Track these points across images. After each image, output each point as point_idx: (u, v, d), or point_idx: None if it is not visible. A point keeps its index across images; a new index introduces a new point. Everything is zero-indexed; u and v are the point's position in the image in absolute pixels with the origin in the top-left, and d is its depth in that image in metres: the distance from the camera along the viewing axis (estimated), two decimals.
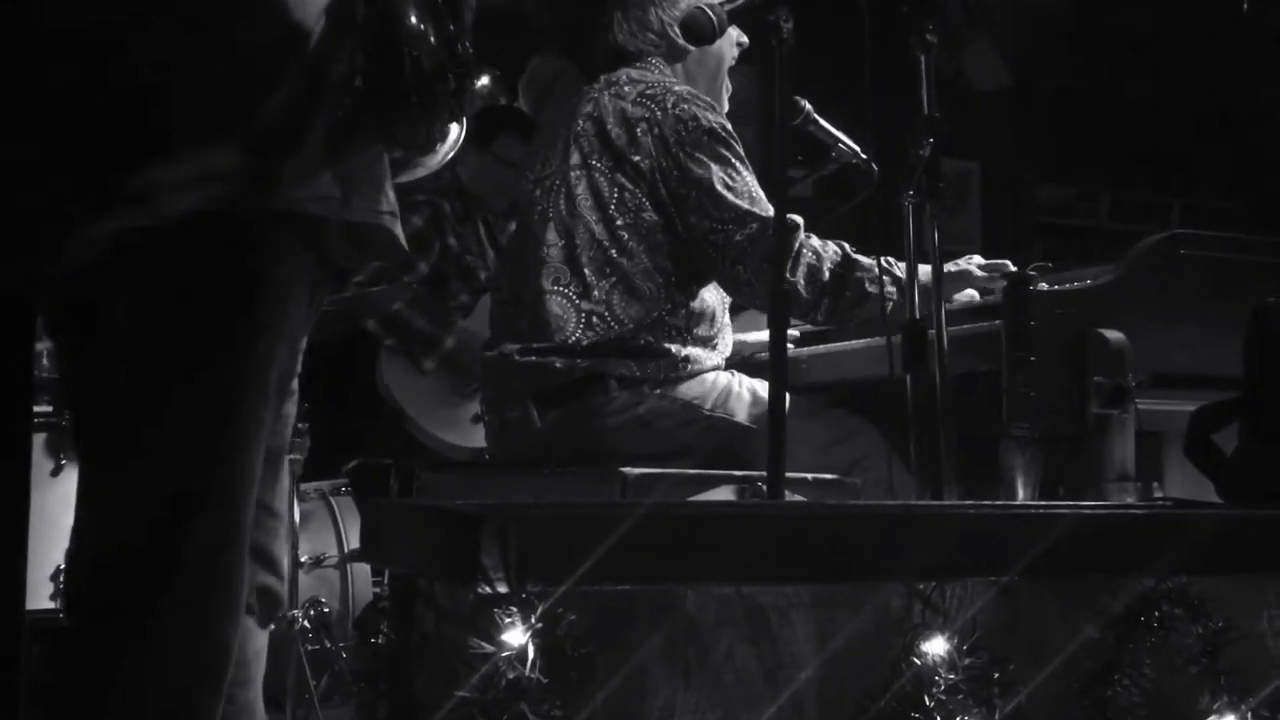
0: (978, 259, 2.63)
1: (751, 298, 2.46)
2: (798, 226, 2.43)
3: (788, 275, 2.36)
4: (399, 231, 1.52)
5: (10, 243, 1.43)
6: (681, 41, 2.52)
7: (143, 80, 1.40)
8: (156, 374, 1.41)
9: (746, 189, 2.43)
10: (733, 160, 2.44)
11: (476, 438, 3.27)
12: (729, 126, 2.49)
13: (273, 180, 1.42)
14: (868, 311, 2.43)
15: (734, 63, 2.66)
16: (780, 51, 2.08)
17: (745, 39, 2.62)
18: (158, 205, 1.39)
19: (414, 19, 1.39)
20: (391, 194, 1.53)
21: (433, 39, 1.39)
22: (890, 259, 2.42)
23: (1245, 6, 5.05)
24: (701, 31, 2.13)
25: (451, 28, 1.41)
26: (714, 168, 2.42)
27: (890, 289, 2.37)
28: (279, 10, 1.43)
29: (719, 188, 2.41)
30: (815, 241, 2.46)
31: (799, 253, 2.42)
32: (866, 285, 2.40)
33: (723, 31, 2.16)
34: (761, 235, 2.38)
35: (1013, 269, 2.55)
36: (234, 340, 1.43)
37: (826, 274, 2.43)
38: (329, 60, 1.42)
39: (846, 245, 2.48)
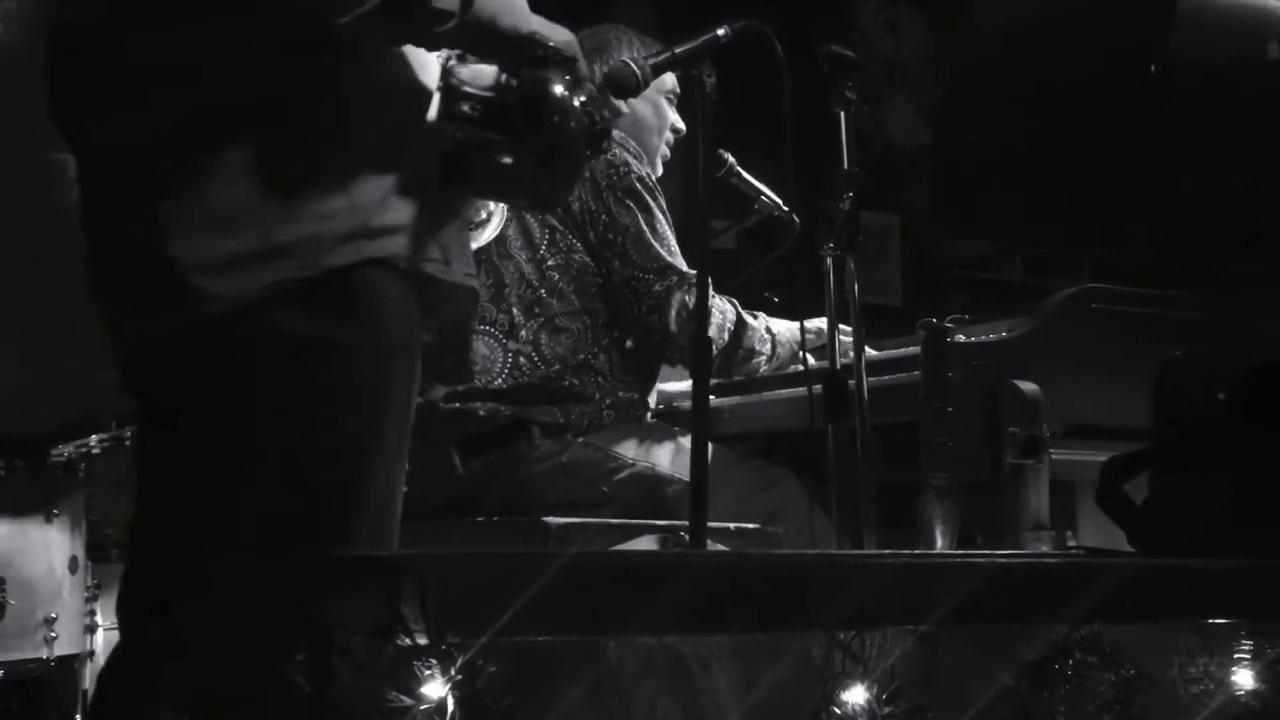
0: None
1: (660, 348, 2.48)
2: (694, 285, 2.46)
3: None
4: (477, 293, 1.65)
5: (166, 301, 1.46)
6: (613, 101, 2.55)
7: (295, 126, 1.46)
8: (305, 430, 1.46)
9: (668, 242, 2.47)
10: (656, 213, 2.48)
11: None
12: (654, 180, 2.53)
13: (410, 240, 1.51)
14: (751, 369, 2.56)
15: (674, 132, 2.68)
16: (703, 105, 2.12)
17: (677, 88, 2.65)
18: (310, 259, 1.45)
19: (560, 89, 1.53)
20: (472, 258, 1.65)
21: (576, 107, 1.55)
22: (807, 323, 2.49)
23: (1152, 69, 5.23)
24: (625, 84, 2.15)
25: (585, 98, 1.57)
26: (640, 216, 2.46)
27: (767, 349, 2.53)
28: (406, 72, 1.53)
29: (646, 236, 2.45)
30: (717, 300, 2.51)
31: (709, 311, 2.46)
32: (756, 345, 2.53)
33: (647, 85, 2.18)
34: (678, 289, 2.42)
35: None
36: (369, 383, 1.49)
37: (726, 334, 2.50)
38: (443, 125, 1.55)
39: (736, 303, 2.54)
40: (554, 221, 2.47)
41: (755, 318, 2.57)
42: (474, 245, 1.74)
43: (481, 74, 1.57)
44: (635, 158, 2.50)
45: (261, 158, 1.45)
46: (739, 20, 2.18)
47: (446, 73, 1.57)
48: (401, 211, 1.52)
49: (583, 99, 1.57)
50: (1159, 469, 2.02)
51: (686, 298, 2.42)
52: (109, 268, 1.53)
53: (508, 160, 1.54)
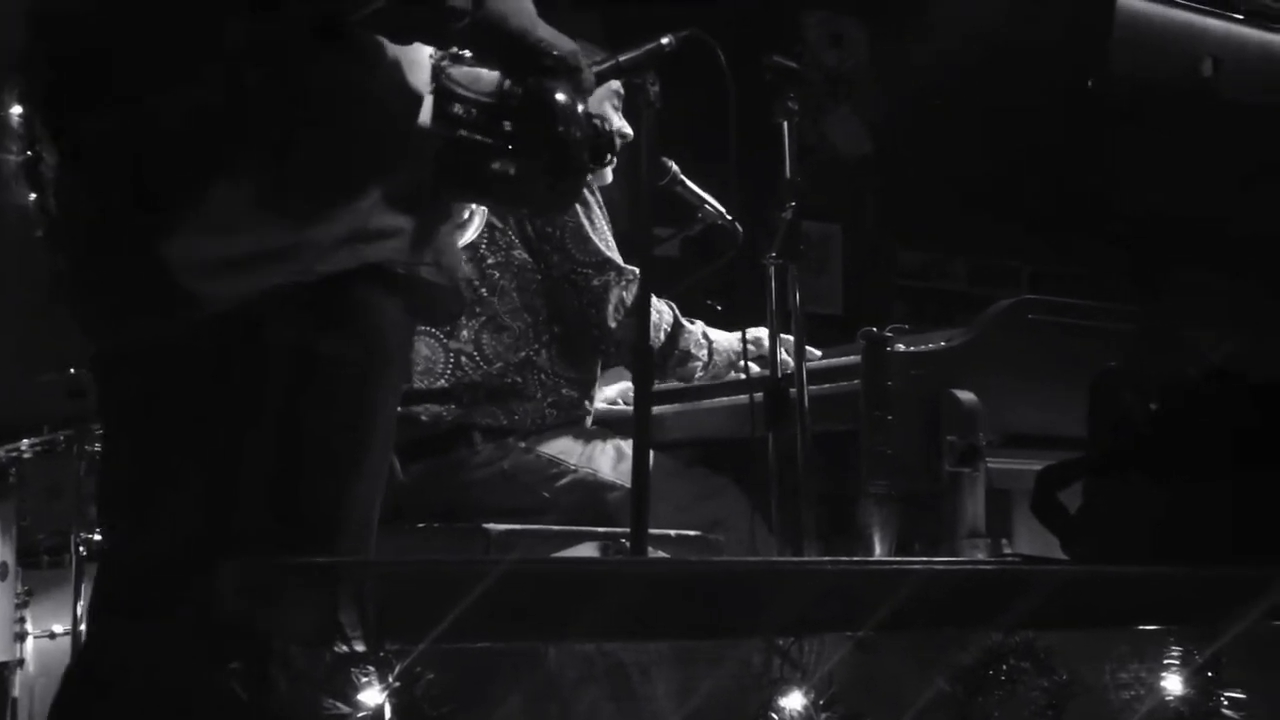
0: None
1: (599, 340, 2.49)
2: (635, 280, 2.47)
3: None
4: (463, 294, 1.64)
5: (157, 303, 1.43)
6: None
7: (291, 130, 1.44)
8: (289, 439, 1.44)
9: (605, 238, 2.48)
10: (594, 208, 2.49)
11: None
12: (589, 182, 2.53)
13: (410, 242, 1.50)
14: (686, 373, 2.58)
15: (619, 138, 2.68)
16: (647, 114, 2.12)
17: (621, 91, 2.66)
18: (305, 264, 1.43)
19: (564, 98, 1.52)
20: (459, 259, 1.64)
21: (581, 116, 1.54)
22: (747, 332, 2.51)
23: (1090, 84, 5.31)
24: None
25: (587, 107, 1.56)
26: (579, 210, 2.46)
27: (703, 355, 2.55)
28: (399, 74, 1.50)
29: (584, 230, 2.46)
30: (654, 301, 2.51)
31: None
32: (691, 349, 2.55)
33: (591, 91, 2.18)
34: (615, 284, 2.43)
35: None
36: (361, 396, 1.48)
37: (662, 335, 2.52)
38: (436, 126, 1.53)
39: (674, 306, 2.56)
40: (493, 220, 2.46)
41: (693, 323, 2.59)
42: (458, 245, 1.72)
43: (476, 77, 1.56)
44: None
45: (257, 160, 1.43)
46: (683, 30, 2.19)
47: (439, 74, 1.55)
48: (397, 215, 1.50)
49: (588, 109, 1.56)
50: (1093, 478, 2.05)
51: (624, 293, 2.44)
52: (93, 266, 1.49)
53: (509, 167, 1.53)
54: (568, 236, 2.45)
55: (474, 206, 1.74)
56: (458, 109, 1.53)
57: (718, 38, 2.20)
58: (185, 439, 1.47)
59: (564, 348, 2.49)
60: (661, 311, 2.54)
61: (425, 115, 1.55)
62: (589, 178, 2.50)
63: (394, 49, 1.52)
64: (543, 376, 2.46)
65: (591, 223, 2.48)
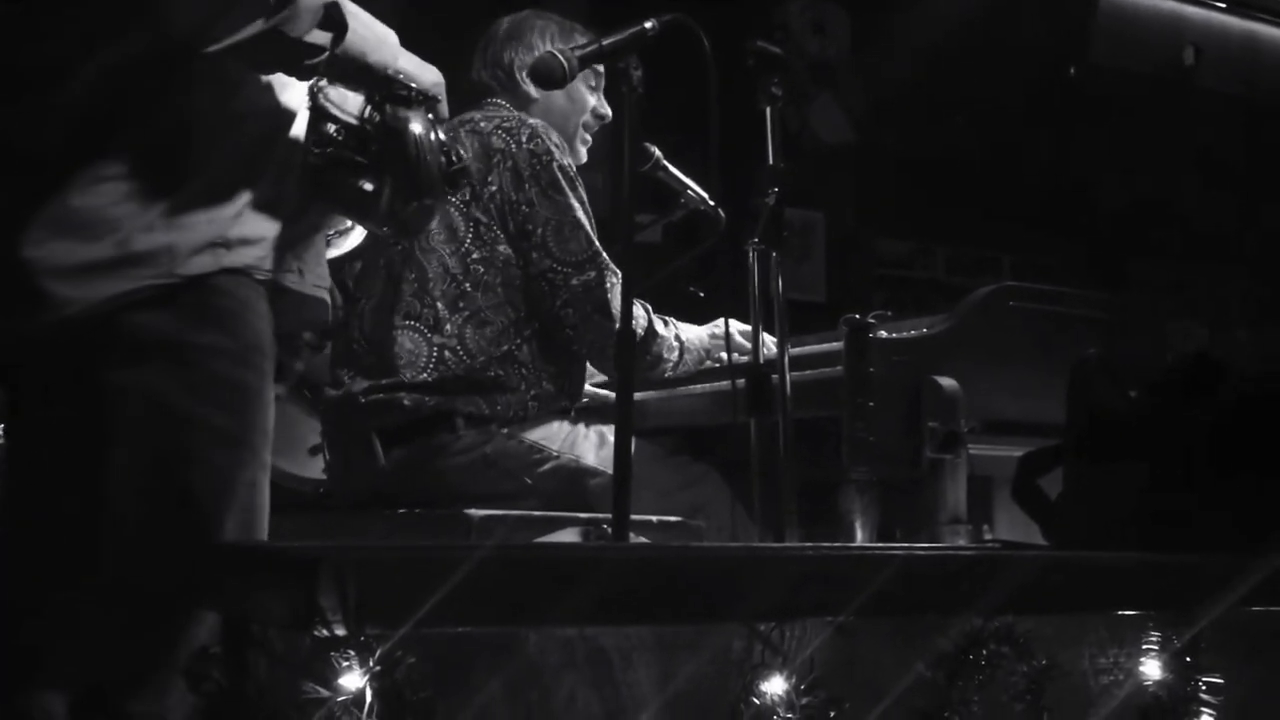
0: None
1: (571, 341, 2.47)
2: (617, 280, 2.47)
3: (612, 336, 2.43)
4: (329, 303, 1.71)
5: (16, 304, 1.47)
6: (525, 88, 2.55)
7: (156, 138, 1.49)
8: (169, 428, 1.48)
9: (589, 236, 2.46)
10: (575, 204, 2.47)
11: (312, 468, 3.20)
12: (575, 170, 2.52)
13: (271, 252, 1.56)
14: (656, 375, 2.58)
15: (596, 117, 2.67)
16: (629, 98, 2.12)
17: (600, 70, 2.65)
18: (165, 268, 1.48)
19: (419, 129, 1.64)
20: (326, 269, 1.72)
21: (435, 145, 1.65)
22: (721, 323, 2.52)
23: (1071, 71, 5.32)
24: (551, 76, 2.15)
25: (443, 136, 1.68)
26: (560, 207, 2.44)
27: (674, 356, 2.55)
28: (270, 91, 1.58)
29: (566, 229, 2.43)
30: (642, 313, 2.51)
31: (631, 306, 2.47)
32: (664, 353, 2.55)
33: (573, 76, 2.18)
34: (597, 286, 2.42)
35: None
36: (233, 381, 1.53)
37: (635, 339, 2.51)
38: (309, 142, 1.61)
39: (649, 308, 2.56)
40: (479, 214, 2.45)
41: (666, 325, 2.58)
42: (336, 252, 1.83)
43: (349, 99, 1.65)
44: (557, 147, 2.49)
45: (121, 167, 1.48)
46: (666, 15, 2.18)
47: (314, 94, 1.64)
48: (259, 224, 1.57)
49: (441, 138, 1.67)
50: (1072, 464, 2.06)
51: (608, 295, 2.42)
52: None
53: (369, 186, 1.64)
54: (548, 235, 2.43)
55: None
56: (330, 128, 1.63)
57: (701, 22, 2.20)
58: (57, 436, 1.51)
59: (544, 344, 2.47)
60: (637, 317, 2.52)
61: (299, 129, 1.63)
62: (572, 173, 2.50)
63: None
64: (524, 370, 2.45)
65: (574, 221, 2.44)
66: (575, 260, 2.42)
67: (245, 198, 1.56)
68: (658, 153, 2.59)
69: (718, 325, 2.65)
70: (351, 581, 1.20)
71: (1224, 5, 5.58)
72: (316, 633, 1.18)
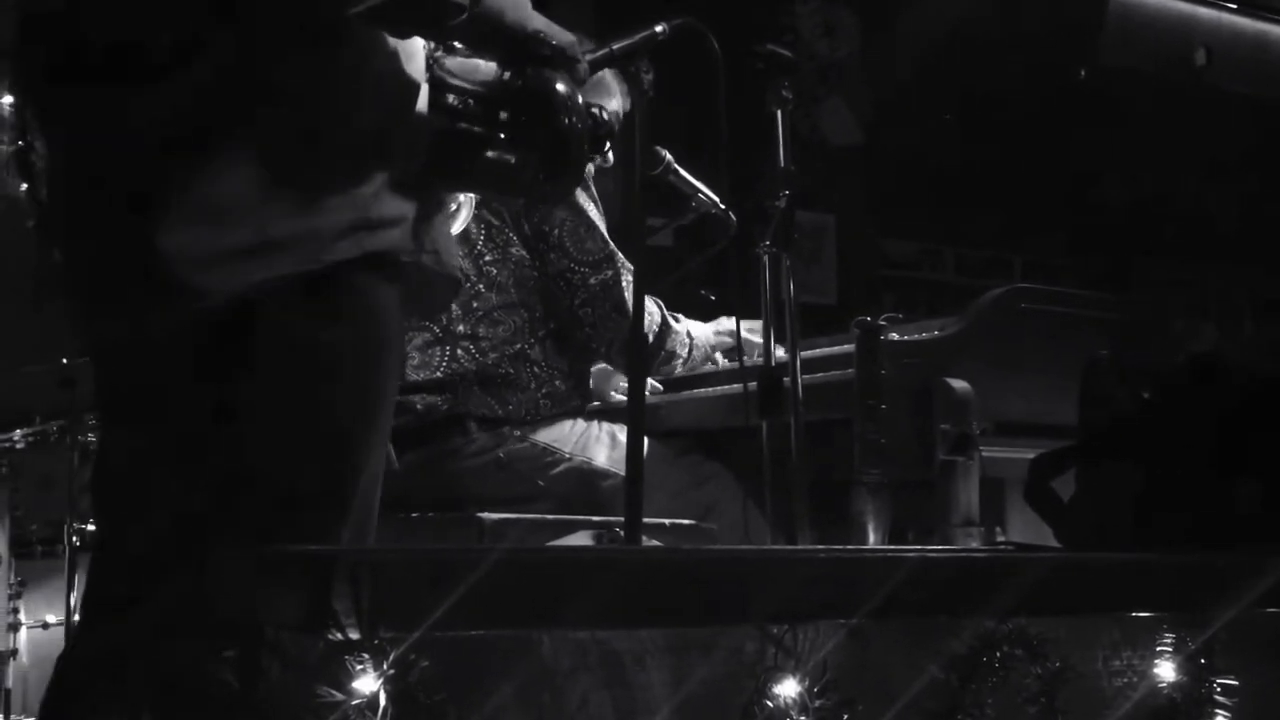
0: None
1: (590, 339, 2.48)
2: (629, 282, 2.48)
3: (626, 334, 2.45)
4: (461, 283, 1.65)
5: (157, 296, 1.43)
6: None
7: (290, 119, 1.43)
8: (304, 425, 1.45)
9: (604, 236, 2.47)
10: (589, 204, 2.48)
11: None
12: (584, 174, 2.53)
13: (412, 230, 1.50)
14: (667, 371, 2.61)
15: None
16: (640, 102, 2.12)
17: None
18: (310, 254, 1.42)
19: (564, 89, 1.54)
20: (455, 247, 1.65)
21: (580, 107, 1.54)
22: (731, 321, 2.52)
23: (1082, 74, 5.31)
24: None
25: (584, 98, 1.57)
26: (575, 208, 2.46)
27: (685, 352, 2.59)
28: (396, 63, 1.50)
29: (581, 230, 2.45)
30: (653, 309, 2.52)
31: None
32: (676, 348, 2.58)
33: (584, 81, 2.18)
34: (614, 284, 2.43)
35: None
36: (362, 382, 1.48)
37: (651, 335, 2.53)
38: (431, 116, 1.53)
39: (661, 304, 2.57)
40: (489, 217, 2.46)
41: (677, 321, 2.60)
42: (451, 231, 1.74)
43: (471, 68, 1.56)
44: None
45: (256, 150, 1.42)
46: (676, 18, 2.19)
47: (432, 65, 1.56)
48: (397, 203, 1.50)
49: (584, 100, 1.57)
50: (1085, 466, 2.05)
51: (625, 294, 2.43)
52: (90, 259, 1.48)
53: (506, 158, 1.53)
54: (565, 235, 2.44)
55: (462, 197, 1.74)
56: (452, 99, 1.54)
57: (711, 26, 2.20)
58: (185, 429, 1.47)
59: (557, 343, 2.48)
60: (651, 313, 2.54)
61: (423, 105, 1.55)
62: (589, 169, 2.50)
63: (391, 40, 1.51)
64: (536, 369, 2.46)
65: (588, 221, 2.47)
66: (592, 260, 2.44)
67: (382, 176, 1.48)
68: (668, 156, 2.59)
69: (719, 323, 2.66)
70: (365, 584, 1.20)
71: (1235, 6, 5.57)
72: (330, 636, 1.19)
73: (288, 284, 1.43)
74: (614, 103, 2.56)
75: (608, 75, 2.56)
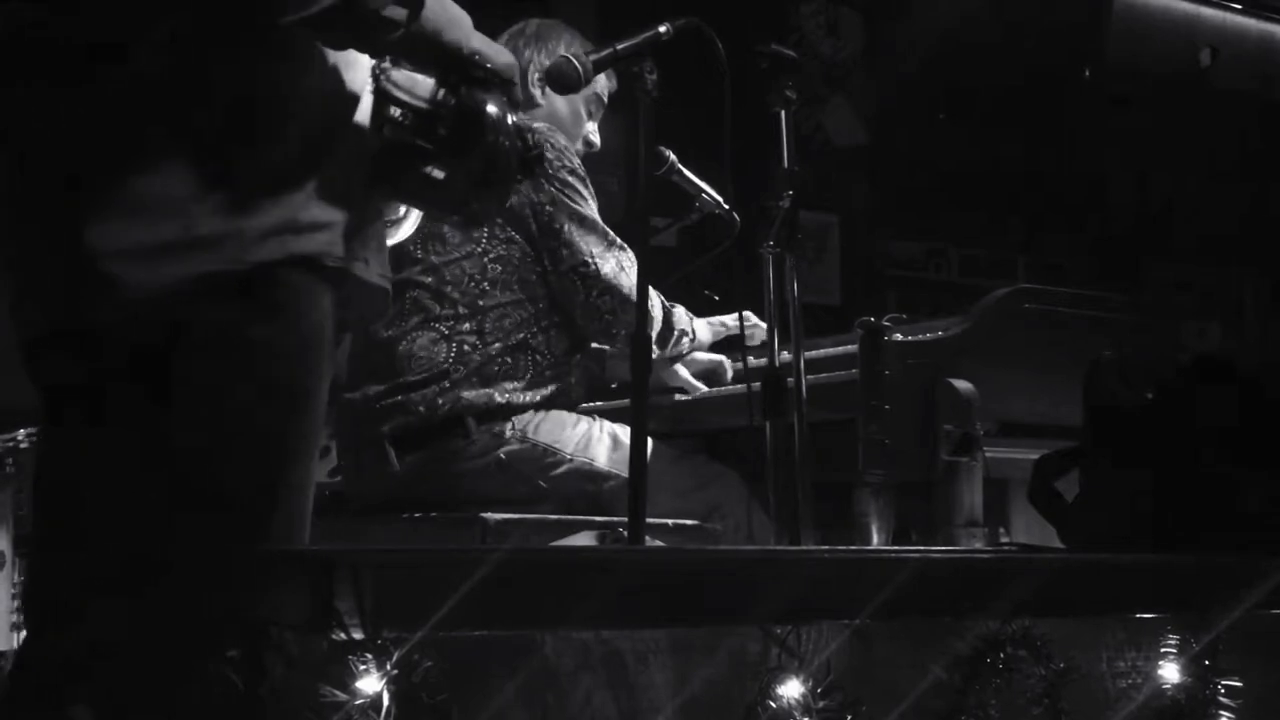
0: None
1: (608, 328, 2.48)
2: (634, 264, 2.48)
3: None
4: (390, 295, 1.66)
5: (80, 289, 1.43)
6: (532, 90, 2.56)
7: (223, 119, 1.45)
8: (232, 424, 1.45)
9: (604, 227, 2.48)
10: (589, 199, 2.49)
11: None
12: (584, 170, 2.53)
13: (340, 238, 1.51)
14: (681, 349, 2.62)
15: (585, 144, 2.68)
16: (644, 102, 2.12)
17: (610, 86, 2.65)
18: (233, 253, 1.44)
19: (496, 111, 1.56)
20: (388, 259, 1.66)
21: (511, 129, 1.57)
22: (749, 313, 2.54)
23: (1086, 74, 5.31)
24: (566, 80, 2.15)
25: (519, 121, 1.60)
26: (580, 206, 2.46)
27: (690, 328, 2.61)
28: (337, 73, 1.53)
29: (588, 222, 2.46)
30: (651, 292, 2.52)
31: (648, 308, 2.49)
32: (685, 326, 2.59)
33: (589, 81, 2.18)
34: (628, 268, 2.46)
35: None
36: (292, 382, 1.49)
37: (659, 311, 2.54)
38: (373, 127, 1.56)
39: (662, 296, 2.57)
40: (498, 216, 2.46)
41: (674, 307, 2.61)
42: (391, 241, 1.75)
43: (416, 82, 1.58)
44: (566, 150, 2.50)
45: (187, 149, 1.44)
46: (680, 18, 2.19)
47: (378, 76, 1.58)
48: (328, 209, 1.52)
49: (517, 122, 1.60)
50: (1088, 466, 2.05)
51: (627, 281, 2.44)
52: (18, 250, 1.49)
53: (439, 173, 1.56)
54: (573, 229, 2.45)
55: (404, 209, 1.76)
56: (395, 112, 1.56)
57: (714, 26, 2.20)
58: (115, 427, 1.47)
59: (562, 333, 2.49)
60: (656, 299, 2.54)
61: (363, 115, 1.58)
62: (582, 171, 2.50)
63: (333, 50, 1.54)
64: (537, 356, 2.47)
65: (595, 216, 2.48)
66: (601, 249, 2.45)
67: (314, 182, 1.50)
68: (672, 156, 2.59)
69: (722, 320, 2.68)
70: (368, 585, 1.20)
71: (1239, 6, 5.56)
72: (334, 636, 1.19)
73: (217, 281, 1.44)
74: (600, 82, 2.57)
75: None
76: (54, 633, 1.51)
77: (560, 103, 2.59)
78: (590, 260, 2.44)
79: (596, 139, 2.68)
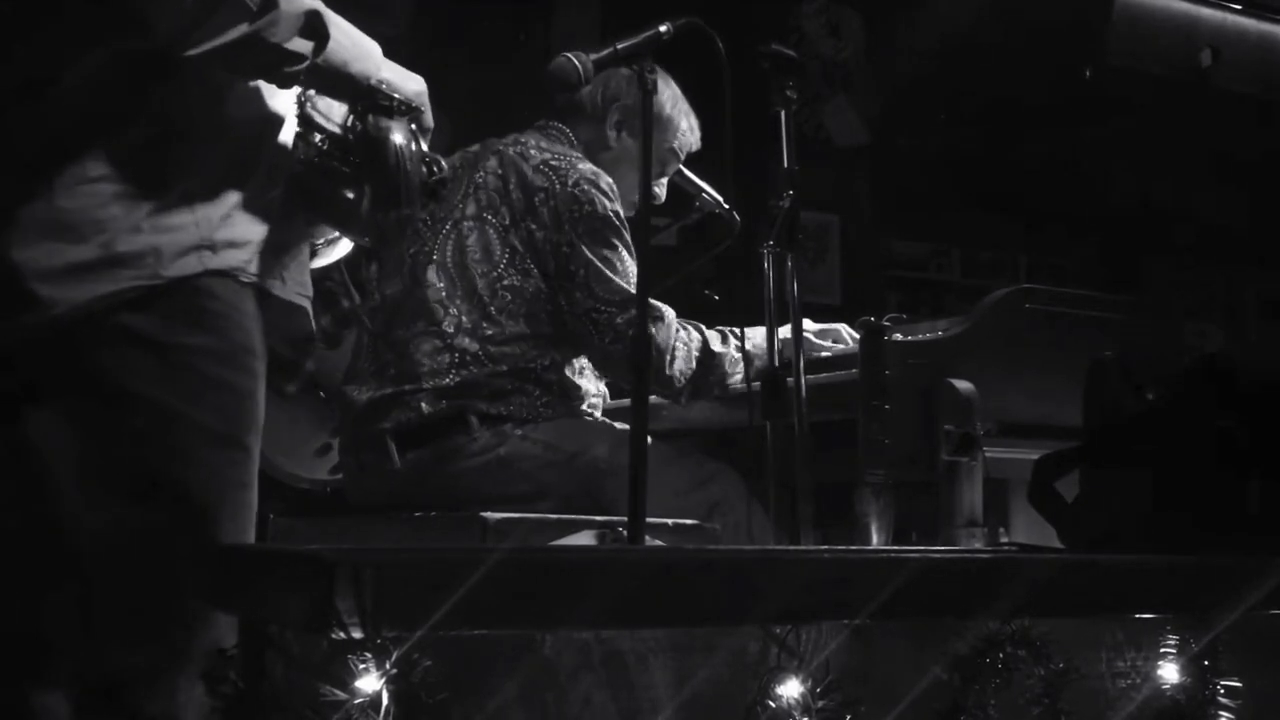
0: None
1: (622, 373, 2.49)
2: (663, 317, 2.48)
3: (667, 370, 2.47)
4: (310, 313, 1.72)
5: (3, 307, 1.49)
6: (608, 131, 2.56)
7: (143, 141, 1.51)
8: (157, 427, 1.50)
9: (630, 275, 2.45)
10: (620, 248, 2.47)
11: (319, 469, 3.21)
12: (621, 214, 2.50)
13: (255, 254, 1.58)
14: (722, 389, 2.58)
15: (670, 169, 2.64)
16: (646, 103, 2.12)
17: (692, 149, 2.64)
18: (151, 269, 1.50)
19: (400, 139, 1.64)
20: (309, 278, 1.73)
21: (415, 155, 1.65)
22: (735, 330, 2.53)
23: (1087, 74, 5.31)
24: (566, 80, 2.15)
25: (425, 146, 1.68)
26: (605, 252, 2.44)
27: (740, 369, 2.53)
28: (259, 97, 1.60)
29: (607, 271, 2.44)
30: (683, 334, 2.51)
31: (674, 349, 2.49)
32: (726, 367, 2.55)
33: (588, 80, 2.18)
34: (656, 322, 2.46)
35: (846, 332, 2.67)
36: (221, 380, 1.54)
37: (694, 363, 2.52)
38: (295, 150, 1.64)
39: (703, 330, 2.55)
40: (515, 242, 2.45)
41: (725, 340, 2.55)
42: (323, 262, 1.84)
43: (335, 109, 1.67)
44: (604, 194, 2.46)
45: (107, 169, 1.50)
46: (681, 18, 2.19)
47: (302, 103, 1.66)
48: (246, 228, 1.58)
49: (424, 148, 1.67)
50: (1089, 467, 2.05)
51: (651, 329, 2.42)
52: None
53: (349, 194, 1.65)
54: (591, 276, 2.43)
55: (335, 231, 1.82)
56: (316, 137, 1.66)
57: (715, 26, 2.20)
58: (48, 438, 1.51)
59: (572, 368, 2.50)
60: (689, 343, 2.51)
61: (286, 136, 1.65)
62: (618, 220, 2.48)
63: None
64: (543, 384, 2.46)
65: (618, 262, 2.45)
66: (620, 299, 2.43)
67: (232, 201, 1.57)
68: None
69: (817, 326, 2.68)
70: (368, 584, 1.20)
71: (1240, 6, 5.56)
72: (333, 635, 1.19)
73: (138, 295, 1.50)
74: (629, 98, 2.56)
75: (620, 73, 2.55)
76: (16, 622, 1.53)
77: (632, 145, 2.57)
78: (603, 308, 2.43)
79: (663, 193, 2.65)
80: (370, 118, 1.65)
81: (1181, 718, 1.63)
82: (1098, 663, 1.63)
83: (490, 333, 2.43)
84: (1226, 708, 1.63)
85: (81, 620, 1.50)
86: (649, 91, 2.11)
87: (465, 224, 2.48)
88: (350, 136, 1.65)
